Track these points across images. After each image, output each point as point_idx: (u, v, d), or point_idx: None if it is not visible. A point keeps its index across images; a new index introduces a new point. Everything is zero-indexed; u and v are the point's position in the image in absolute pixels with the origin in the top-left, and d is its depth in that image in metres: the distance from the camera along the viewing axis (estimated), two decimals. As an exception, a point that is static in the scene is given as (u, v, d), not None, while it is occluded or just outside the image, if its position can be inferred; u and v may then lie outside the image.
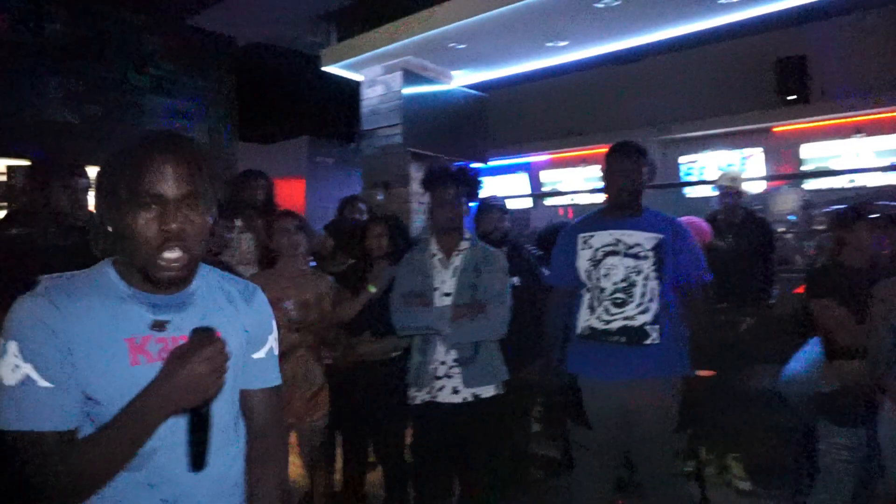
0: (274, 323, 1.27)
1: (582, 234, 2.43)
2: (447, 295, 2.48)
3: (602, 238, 2.37)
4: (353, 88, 5.86)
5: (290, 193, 8.27)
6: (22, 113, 4.53)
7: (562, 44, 4.96)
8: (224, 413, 1.13)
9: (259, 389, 1.21)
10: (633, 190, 2.35)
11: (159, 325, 1.06)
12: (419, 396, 2.50)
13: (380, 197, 5.45)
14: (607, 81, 7.07)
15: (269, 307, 1.26)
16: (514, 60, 5.44)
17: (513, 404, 2.73)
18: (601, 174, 2.46)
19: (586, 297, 2.38)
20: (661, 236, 2.30)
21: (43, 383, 0.97)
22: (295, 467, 3.09)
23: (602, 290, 2.33)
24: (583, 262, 2.39)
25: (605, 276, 2.33)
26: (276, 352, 1.26)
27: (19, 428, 0.96)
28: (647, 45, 4.96)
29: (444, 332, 2.42)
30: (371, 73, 5.64)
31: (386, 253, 2.89)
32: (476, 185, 2.66)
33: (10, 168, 4.02)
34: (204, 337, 0.98)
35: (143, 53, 5.80)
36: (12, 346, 0.97)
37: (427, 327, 2.47)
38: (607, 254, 2.34)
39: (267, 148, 8.73)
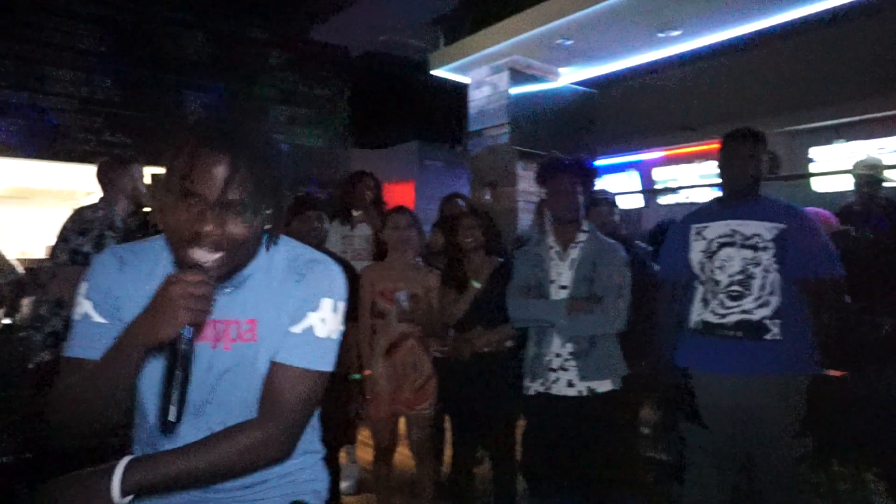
0: (326, 304, 1.14)
1: (695, 226, 2.34)
2: (563, 287, 2.47)
3: (717, 229, 2.27)
4: (461, 91, 5.98)
5: (401, 196, 8.56)
6: (164, 125, 5.09)
7: (674, 34, 4.78)
8: (249, 385, 1.09)
9: (283, 364, 1.10)
10: (751, 177, 2.23)
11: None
12: (533, 387, 2.50)
13: (487, 197, 5.51)
14: (724, 71, 6.68)
15: (332, 288, 1.15)
16: (623, 54, 5.31)
17: (628, 402, 2.66)
18: (717, 168, 2.35)
19: (699, 291, 2.29)
20: (782, 226, 2.16)
21: (97, 318, 1.07)
22: (403, 457, 3.21)
23: (717, 282, 2.23)
24: (696, 254, 2.30)
25: (720, 268, 2.22)
26: (320, 334, 1.13)
27: (70, 354, 1.06)
28: (768, 28, 4.65)
29: (558, 324, 2.42)
30: (478, 74, 5.73)
31: (479, 245, 2.93)
32: (592, 176, 2.62)
33: (153, 176, 4.52)
34: (189, 270, 0.97)
35: (268, 67, 6.29)
36: (83, 287, 1.09)
37: (542, 320, 2.48)
38: (722, 245, 2.24)
39: (379, 153, 9.11)
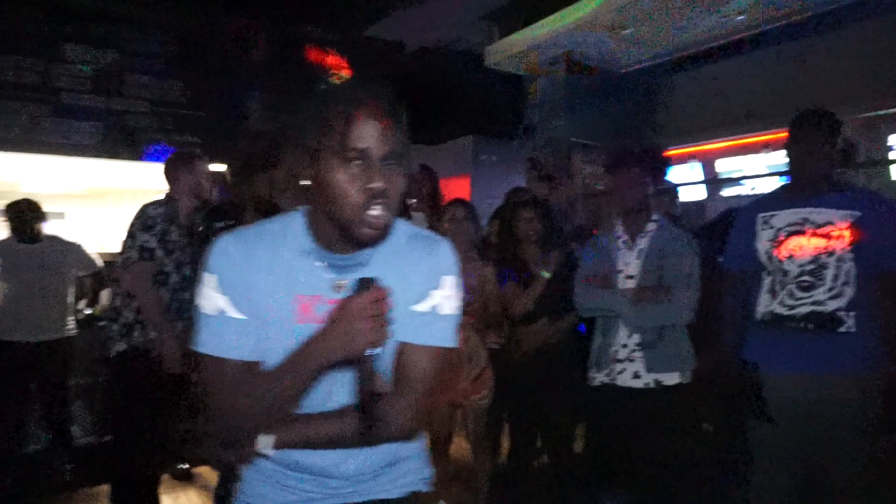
0: (448, 281, 1.15)
1: (762, 214, 2.25)
2: (630, 277, 2.44)
3: (785, 217, 2.17)
4: (516, 84, 5.94)
5: (457, 191, 8.58)
6: (232, 124, 5.32)
7: (738, 18, 4.59)
8: (385, 368, 1.11)
9: (412, 344, 1.10)
10: (823, 161, 2.12)
11: (336, 287, 1.07)
12: (598, 378, 2.48)
13: (543, 190, 5.46)
14: (793, 56, 6.37)
15: (450, 265, 1.16)
16: (684, 40, 5.14)
17: (697, 396, 2.58)
18: (785, 151, 2.25)
19: (767, 281, 2.20)
20: (858, 213, 2.05)
21: (235, 314, 1.04)
22: (459, 448, 3.22)
23: (785, 272, 2.13)
24: (763, 243, 2.21)
25: (789, 257, 2.13)
26: (444, 312, 1.14)
27: (210, 352, 1.05)
28: (841, 8, 4.40)
29: (624, 314, 2.39)
30: (533, 66, 5.68)
31: (537, 238, 2.91)
32: (662, 165, 2.59)
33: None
34: (365, 287, 0.97)
35: (326, 65, 6.46)
36: (212, 279, 1.05)
37: (608, 309, 2.45)
38: (791, 233, 2.14)
39: (433, 149, 9.15)
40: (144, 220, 2.70)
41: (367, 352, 0.98)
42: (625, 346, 2.41)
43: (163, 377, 2.66)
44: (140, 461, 2.70)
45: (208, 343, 1.05)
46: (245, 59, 5.48)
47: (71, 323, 3.67)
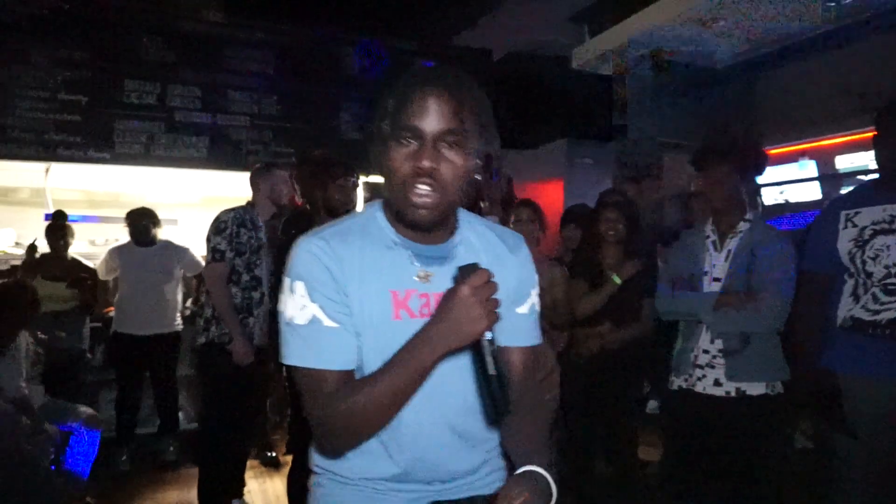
0: (537, 278, 1.18)
1: (845, 212, 2.08)
2: (717, 280, 2.29)
3: (871, 214, 2.00)
4: (609, 86, 5.80)
5: (550, 195, 8.49)
6: (325, 135, 5.63)
7: (846, 0, 4.23)
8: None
9: (518, 347, 1.11)
10: None
11: (424, 277, 1.04)
12: (676, 382, 2.37)
13: (630, 192, 5.30)
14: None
15: (533, 261, 1.18)
16: (788, 28, 4.79)
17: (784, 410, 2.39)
18: (873, 142, 2.07)
19: (849, 284, 2.03)
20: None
21: (328, 323, 0.99)
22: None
23: (869, 274, 1.96)
24: (845, 243, 2.04)
25: (874, 258, 1.96)
26: (538, 309, 1.17)
27: (307, 365, 0.99)
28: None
29: (707, 319, 2.26)
30: (623, 65, 5.53)
31: (619, 239, 2.84)
32: (758, 158, 2.41)
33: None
34: (470, 272, 0.93)
35: (412, 75, 6.69)
36: (300, 287, 1.00)
37: (688, 314, 2.34)
38: (877, 233, 1.97)
39: (525, 154, 9.12)
40: (217, 224, 2.93)
41: (486, 336, 0.93)
42: (706, 351, 2.28)
43: (239, 369, 2.87)
44: (224, 447, 2.93)
45: (305, 355, 1.00)
46: (337, 72, 5.78)
47: (178, 319, 4.06)
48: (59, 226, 4.00)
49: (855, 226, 2.03)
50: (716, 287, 2.28)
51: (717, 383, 2.24)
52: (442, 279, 1.04)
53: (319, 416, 0.99)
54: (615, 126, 5.79)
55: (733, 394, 2.21)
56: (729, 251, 2.29)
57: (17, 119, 4.85)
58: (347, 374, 1.00)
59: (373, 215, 1.07)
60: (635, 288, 2.77)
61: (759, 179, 3.75)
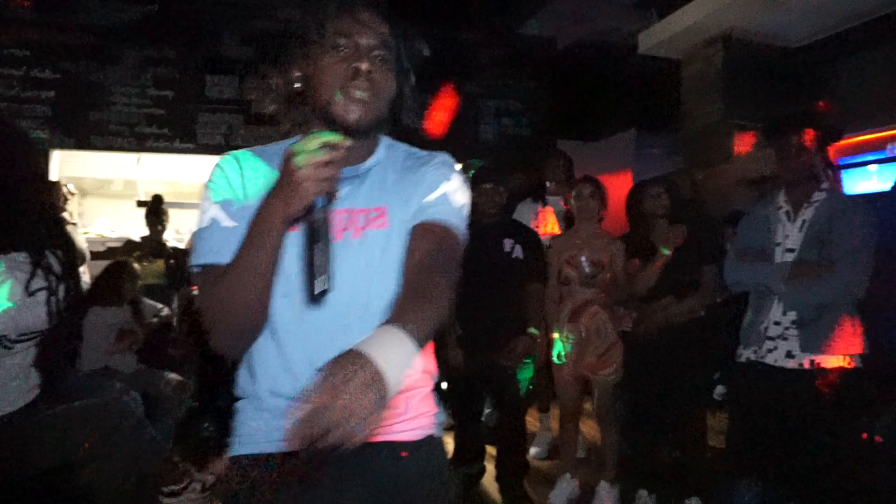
0: (455, 177, 1.14)
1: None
2: (790, 251, 2.23)
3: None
4: (676, 72, 5.67)
5: (619, 187, 8.35)
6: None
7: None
8: (381, 271, 1.06)
9: (422, 222, 1.06)
10: None
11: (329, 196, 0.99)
12: (745, 355, 2.31)
13: (698, 176, 5.19)
14: None
15: (452, 166, 1.17)
16: (872, 5, 4.55)
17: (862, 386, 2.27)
18: None
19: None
20: None
21: (227, 223, 1.03)
22: (587, 427, 3.20)
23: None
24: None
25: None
26: (456, 201, 1.11)
27: (203, 262, 1.02)
28: None
29: (778, 290, 2.21)
30: (691, 50, 5.41)
31: (664, 213, 2.83)
32: (834, 127, 2.35)
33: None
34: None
35: (478, 65, 6.75)
36: (205, 192, 1.07)
37: (760, 284, 2.28)
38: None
39: (593, 145, 8.99)
40: None
41: (318, 202, 0.92)
42: (777, 322, 2.21)
43: None
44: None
45: (200, 253, 1.03)
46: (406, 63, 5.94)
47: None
48: (157, 209, 4.37)
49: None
50: (789, 258, 2.22)
51: (789, 355, 2.17)
52: (352, 198, 1.08)
53: (207, 310, 1.01)
54: (684, 112, 5.66)
55: (807, 366, 2.14)
56: (804, 221, 2.22)
57: (112, 114, 5.32)
58: None
59: (290, 142, 1.04)
60: (690, 257, 2.75)
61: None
